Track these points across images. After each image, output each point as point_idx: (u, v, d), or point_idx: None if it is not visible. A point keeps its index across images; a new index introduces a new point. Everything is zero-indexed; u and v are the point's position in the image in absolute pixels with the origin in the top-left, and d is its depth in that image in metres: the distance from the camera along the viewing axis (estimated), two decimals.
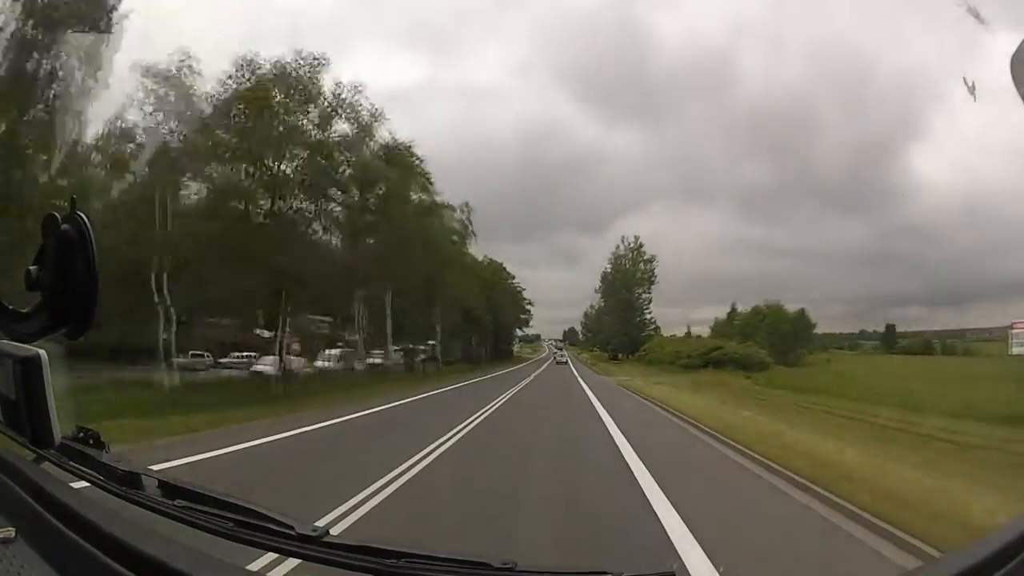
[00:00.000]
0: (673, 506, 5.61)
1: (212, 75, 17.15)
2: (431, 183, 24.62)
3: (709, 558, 4.14)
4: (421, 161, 23.40)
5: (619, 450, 9.31)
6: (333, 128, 19.66)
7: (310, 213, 19.44)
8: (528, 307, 44.90)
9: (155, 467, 1.54)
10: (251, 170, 18.23)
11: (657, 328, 41.04)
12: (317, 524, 1.17)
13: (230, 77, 17.65)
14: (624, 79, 46.73)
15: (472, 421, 12.62)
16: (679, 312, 48.97)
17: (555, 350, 55.67)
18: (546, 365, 42.67)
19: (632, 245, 40.35)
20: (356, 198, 20.86)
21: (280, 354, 19.14)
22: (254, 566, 2.02)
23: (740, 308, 37.75)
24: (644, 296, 41.03)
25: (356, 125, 20.02)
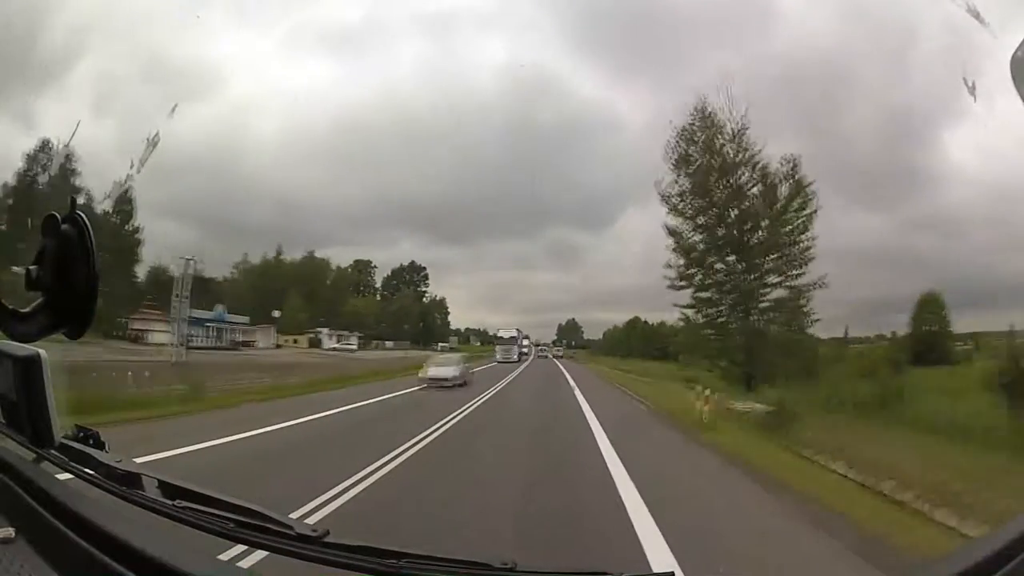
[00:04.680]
0: None
1: None
2: None
3: None
4: None
5: None
6: None
7: None
8: None
9: None
10: None
11: None
12: (316, 525, 1.17)
13: None
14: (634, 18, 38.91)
15: None
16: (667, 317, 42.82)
17: (538, 350, 39.89)
18: None
19: None
20: None
21: None
22: (254, 566, 2.02)
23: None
24: None
25: None
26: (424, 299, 43.72)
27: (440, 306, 44.65)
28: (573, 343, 44.87)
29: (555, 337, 44.44)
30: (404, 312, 41.28)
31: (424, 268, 43.04)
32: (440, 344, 39.45)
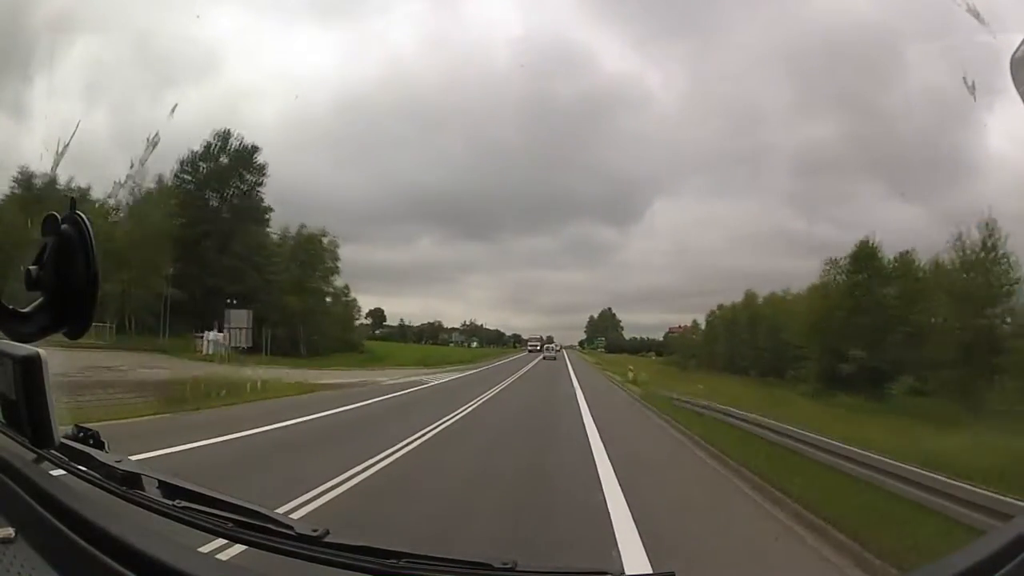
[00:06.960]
0: None
1: None
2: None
3: None
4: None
5: None
6: None
7: None
8: None
9: None
10: None
11: None
12: (316, 525, 1.17)
13: None
14: None
15: None
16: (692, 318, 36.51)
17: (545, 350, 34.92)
18: None
19: None
20: None
21: None
22: (254, 566, 2.03)
23: None
24: None
25: None
26: (262, 225, 20.62)
27: (313, 244, 21.21)
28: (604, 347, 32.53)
29: (584, 335, 35.81)
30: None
31: (257, 148, 22.23)
32: (209, 332, 20.41)
